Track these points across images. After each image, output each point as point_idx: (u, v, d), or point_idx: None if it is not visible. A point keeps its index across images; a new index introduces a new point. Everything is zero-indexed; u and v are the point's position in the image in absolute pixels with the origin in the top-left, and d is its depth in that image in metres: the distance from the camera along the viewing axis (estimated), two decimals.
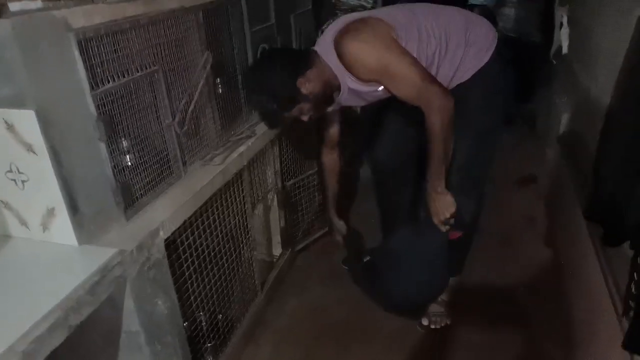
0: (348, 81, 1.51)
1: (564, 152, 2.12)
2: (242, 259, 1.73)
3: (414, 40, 1.48)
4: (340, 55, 1.46)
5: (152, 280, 1.18)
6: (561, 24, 2.17)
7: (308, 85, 1.47)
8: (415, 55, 1.47)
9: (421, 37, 1.49)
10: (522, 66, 3.29)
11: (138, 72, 1.21)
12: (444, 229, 1.55)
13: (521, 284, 1.98)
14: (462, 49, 1.53)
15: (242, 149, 1.59)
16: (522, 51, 3.27)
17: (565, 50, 2.16)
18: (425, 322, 1.81)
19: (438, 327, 1.79)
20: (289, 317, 1.91)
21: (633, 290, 1.07)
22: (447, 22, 1.53)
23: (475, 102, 1.56)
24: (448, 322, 1.80)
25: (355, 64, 1.46)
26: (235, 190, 1.60)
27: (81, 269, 1.01)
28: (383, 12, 1.56)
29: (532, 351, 1.68)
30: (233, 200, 1.60)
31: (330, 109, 1.65)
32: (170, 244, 1.29)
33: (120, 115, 1.16)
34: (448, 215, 1.53)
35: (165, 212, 1.25)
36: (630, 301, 1.09)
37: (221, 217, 1.55)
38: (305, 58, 1.52)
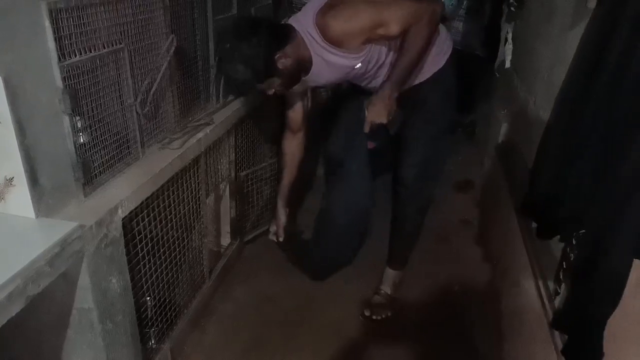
0: (325, 54, 1.52)
1: (501, 159, 2.28)
2: (192, 245, 1.74)
3: None
4: (325, 33, 1.48)
5: (108, 257, 1.18)
6: (506, 40, 2.34)
7: (284, 60, 1.49)
8: (378, 45, 1.53)
9: None
10: (466, 78, 3.49)
11: (105, 48, 1.20)
12: (368, 128, 1.56)
13: (456, 281, 2.11)
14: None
15: (200, 135, 1.60)
16: (466, 63, 3.47)
17: (507, 64, 2.33)
18: (367, 312, 1.89)
19: (379, 318, 1.88)
20: (236, 305, 1.93)
21: (561, 277, 1.21)
22: None
23: (433, 102, 1.69)
24: (389, 314, 1.90)
25: (343, 35, 1.47)
26: (191, 176, 1.61)
27: (40, 241, 1.00)
28: None
29: (466, 342, 1.80)
30: (188, 186, 1.61)
31: (295, 87, 1.66)
32: (127, 223, 1.29)
33: (84, 91, 1.15)
34: (384, 122, 1.54)
35: (124, 191, 1.25)
36: (557, 287, 1.22)
37: (175, 202, 1.55)
38: (284, 33, 1.53)
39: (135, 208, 1.30)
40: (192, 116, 1.69)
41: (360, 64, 1.56)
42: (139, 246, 1.38)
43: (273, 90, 1.57)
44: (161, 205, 1.46)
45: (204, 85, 1.75)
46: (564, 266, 1.19)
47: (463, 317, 1.91)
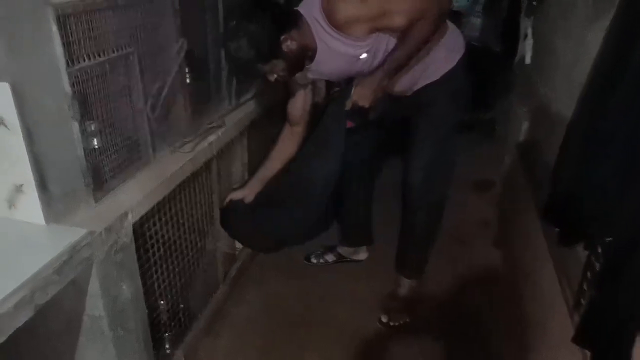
0: (331, 41, 1.50)
1: (522, 158, 2.22)
2: (206, 249, 1.72)
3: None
4: (330, 17, 1.47)
5: (118, 264, 1.16)
6: (526, 35, 2.28)
7: (290, 43, 1.48)
8: (389, 42, 1.51)
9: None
10: (484, 75, 3.43)
11: (114, 53, 1.19)
12: (349, 105, 1.56)
13: (476, 285, 2.06)
14: (433, 49, 1.58)
15: (212, 138, 1.59)
16: (484, 60, 3.40)
17: (527, 60, 2.26)
18: (384, 318, 1.85)
19: (397, 324, 1.84)
20: (249, 309, 1.91)
21: (585, 287, 1.15)
22: None
23: (441, 103, 1.65)
24: (407, 320, 1.86)
25: (348, 20, 1.45)
26: (203, 180, 1.60)
27: (48, 248, 0.99)
28: None
29: (485, 350, 1.75)
30: (200, 189, 1.60)
31: (298, 76, 1.64)
32: (139, 228, 1.28)
33: (93, 96, 1.15)
34: (366, 105, 1.53)
35: (135, 196, 1.24)
36: (581, 298, 1.17)
37: (188, 205, 1.54)
38: (291, 17, 1.52)
39: (146, 213, 1.28)
40: (204, 119, 1.67)
41: (365, 55, 1.53)
42: (151, 250, 1.37)
43: (275, 75, 1.53)
44: (173, 210, 1.45)
45: (216, 88, 1.74)
46: (588, 276, 1.13)
47: (483, 324, 1.86)
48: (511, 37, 2.82)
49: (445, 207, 1.93)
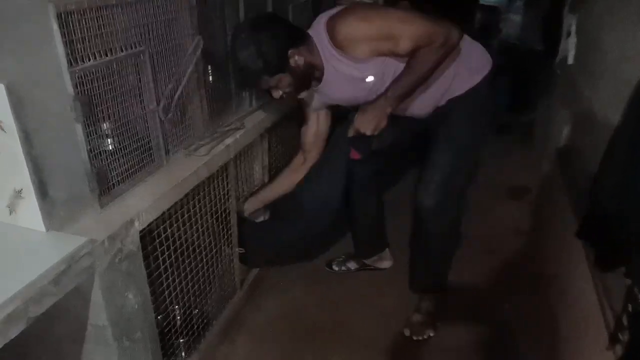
0: (336, 63, 1.49)
1: (562, 166, 2.08)
2: (223, 255, 1.67)
3: None
4: (333, 36, 1.45)
5: (123, 273, 1.12)
6: (569, 33, 2.13)
7: (297, 58, 1.46)
8: (397, 68, 1.48)
9: None
10: (524, 74, 3.27)
11: (122, 51, 1.14)
12: (351, 133, 1.54)
13: (507, 299, 1.93)
14: (455, 67, 1.54)
15: (229, 141, 1.52)
16: (524, 59, 3.24)
17: (570, 60, 2.11)
18: (407, 332, 1.76)
19: (420, 338, 1.74)
20: (267, 318, 1.85)
21: (624, 321, 1.02)
22: None
23: (461, 118, 1.61)
24: (431, 334, 1.75)
25: (349, 39, 1.44)
26: (220, 183, 1.54)
27: (46, 256, 0.95)
28: None
29: None
30: (217, 194, 1.54)
31: (305, 96, 1.61)
32: (147, 234, 1.23)
33: (100, 97, 1.10)
34: (368, 132, 1.49)
35: (143, 202, 1.18)
36: (619, 333, 1.04)
37: (203, 210, 1.49)
38: (300, 34, 1.51)
39: (157, 219, 1.23)
40: (222, 120, 1.61)
41: (372, 78, 1.50)
42: (165, 254, 1.32)
43: (281, 92, 1.50)
44: (186, 215, 1.40)
45: (236, 88, 1.67)
46: (629, 309, 1.00)
47: (511, 341, 1.73)
48: (553, 35, 2.66)
49: (462, 224, 1.82)
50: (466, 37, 1.61)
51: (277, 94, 1.51)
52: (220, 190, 1.55)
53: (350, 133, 1.55)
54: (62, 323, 1.13)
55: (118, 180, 1.18)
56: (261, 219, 1.88)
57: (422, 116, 1.66)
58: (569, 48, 2.08)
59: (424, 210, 1.63)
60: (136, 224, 1.13)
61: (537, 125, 3.18)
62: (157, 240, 1.29)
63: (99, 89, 1.08)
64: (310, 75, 1.53)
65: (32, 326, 0.88)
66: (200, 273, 1.54)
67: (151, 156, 1.30)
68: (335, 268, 2.10)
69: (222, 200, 1.57)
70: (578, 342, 1.49)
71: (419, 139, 1.73)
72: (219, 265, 1.66)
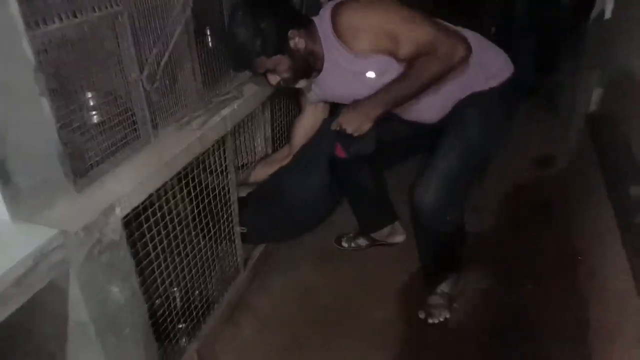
0: (336, 54, 1.41)
1: (592, 133, 1.90)
2: (223, 233, 1.55)
3: None
4: (335, 25, 1.38)
5: (104, 265, 1.00)
6: None
7: (298, 40, 1.39)
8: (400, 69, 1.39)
9: None
10: (549, 33, 3.02)
11: (95, 12, 0.98)
12: (334, 127, 1.45)
13: (529, 277, 1.80)
14: (470, 70, 1.43)
15: (225, 112, 1.38)
16: (549, 14, 2.99)
17: (608, 15, 1.90)
18: (422, 315, 1.64)
19: (436, 321, 1.62)
20: (274, 299, 1.74)
21: None
22: None
23: (472, 119, 1.49)
24: (447, 316, 1.63)
25: (351, 28, 1.36)
26: (217, 158, 1.40)
27: (10, 253, 0.83)
28: None
29: (535, 354, 1.52)
30: (214, 169, 1.41)
31: (303, 85, 1.51)
32: (139, 215, 1.11)
33: (71, 66, 0.96)
34: (349, 130, 1.41)
35: (127, 184, 1.05)
36: None
37: (199, 188, 1.36)
38: (304, 18, 1.45)
39: (146, 200, 1.10)
40: (218, 89, 1.46)
41: (373, 75, 1.41)
42: (157, 238, 1.20)
43: (278, 78, 1.43)
44: (179, 195, 1.27)
45: (227, 24, 1.50)
46: None
47: (535, 324, 1.61)
48: None
49: (465, 224, 1.67)
50: (484, 41, 1.51)
51: (274, 79, 1.43)
52: (218, 166, 1.41)
53: (333, 126, 1.46)
54: (44, 320, 1.02)
55: (97, 161, 1.04)
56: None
57: (429, 122, 1.56)
58: (607, 1, 1.87)
59: (422, 209, 1.49)
60: (117, 210, 1.00)
61: (563, 87, 2.97)
62: (150, 221, 1.17)
63: (68, 57, 0.94)
64: (310, 63, 1.44)
65: (13, 325, 0.79)
66: (199, 255, 1.43)
67: (136, 131, 1.16)
68: (345, 245, 1.98)
69: (220, 177, 1.44)
70: (610, 330, 1.37)
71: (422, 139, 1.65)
72: (219, 245, 1.54)
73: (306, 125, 1.68)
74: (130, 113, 1.13)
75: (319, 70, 1.47)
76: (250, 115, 1.58)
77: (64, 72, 0.95)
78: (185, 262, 1.36)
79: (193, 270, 1.42)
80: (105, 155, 1.07)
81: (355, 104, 1.41)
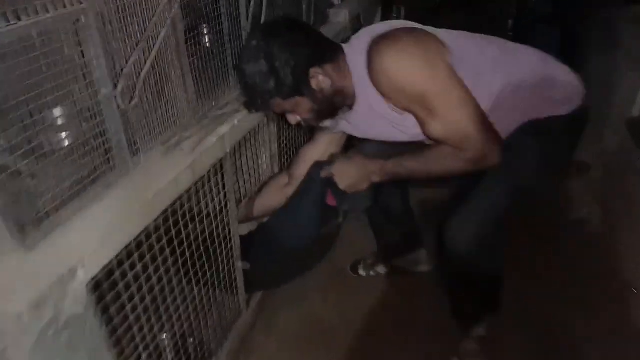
0: (371, 99, 1.19)
1: (635, 137, 1.66)
2: (222, 269, 1.30)
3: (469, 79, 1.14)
4: (372, 65, 1.14)
5: (64, 347, 0.75)
6: None
7: (322, 79, 1.17)
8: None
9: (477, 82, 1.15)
10: (575, 21, 2.74)
11: (49, 12, 0.74)
12: (324, 174, 1.34)
13: (577, 309, 1.56)
14: (531, 95, 1.21)
15: (224, 129, 1.13)
16: (575, 1, 2.71)
17: None
18: None
19: None
20: (281, 339, 1.51)
21: None
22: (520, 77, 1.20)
23: (528, 150, 1.21)
24: None
25: (388, 79, 1.13)
26: (214, 185, 1.16)
27: None
28: (445, 33, 1.20)
29: None
30: (211, 197, 1.16)
31: (328, 124, 1.29)
32: (114, 270, 0.87)
33: (16, 81, 0.71)
34: (341, 186, 1.32)
35: (95, 235, 0.81)
36: None
37: (193, 221, 1.11)
38: (330, 49, 1.21)
39: (119, 253, 0.86)
40: (215, 100, 1.22)
41: (413, 126, 1.20)
42: (137, 297, 0.96)
43: (298, 118, 1.23)
44: (165, 239, 1.02)
45: (234, 59, 1.26)
46: None
47: (578, 350, 1.38)
48: None
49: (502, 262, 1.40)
50: (550, 62, 1.27)
51: (293, 119, 1.23)
52: (215, 195, 1.17)
53: (324, 174, 1.32)
54: None
55: (55, 206, 0.80)
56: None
57: None
58: None
59: (455, 251, 1.24)
60: (81, 273, 0.76)
61: (595, 85, 2.71)
62: (128, 276, 0.92)
63: (10, 70, 0.70)
64: (337, 103, 1.22)
65: None
66: (194, 294, 1.19)
67: (110, 161, 0.91)
68: (362, 273, 1.74)
69: (218, 208, 1.19)
70: None
71: None
72: (219, 282, 1.30)
73: (315, 156, 1.42)
74: (102, 139, 0.89)
75: (350, 106, 1.25)
76: (253, 130, 1.33)
77: (7, 91, 0.71)
78: (175, 317, 1.12)
79: (187, 312, 1.18)
80: (67, 197, 0.82)
81: (357, 159, 1.28)
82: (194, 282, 1.17)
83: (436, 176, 1.23)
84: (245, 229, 1.50)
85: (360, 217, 1.79)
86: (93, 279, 0.79)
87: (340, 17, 1.84)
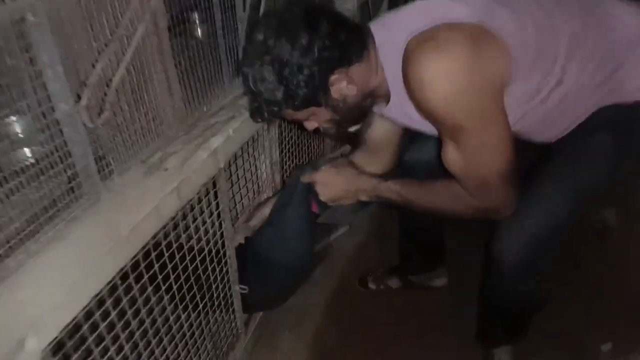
0: (404, 103, 0.96)
1: None
2: (217, 296, 1.15)
3: (537, 70, 0.92)
4: (406, 68, 0.90)
5: None
6: None
7: (345, 86, 0.93)
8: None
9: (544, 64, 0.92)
10: None
11: None
12: (307, 179, 1.17)
13: (606, 331, 1.41)
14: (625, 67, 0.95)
15: (217, 141, 0.96)
16: None
17: None
18: None
19: None
20: None
21: None
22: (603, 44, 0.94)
23: (600, 149, 0.99)
24: None
25: (417, 92, 0.89)
26: (205, 206, 1.00)
27: None
28: (507, 17, 0.90)
29: None
30: (202, 222, 1.00)
31: (355, 128, 1.11)
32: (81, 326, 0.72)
33: None
34: (322, 198, 1.16)
35: (53, 289, 0.65)
36: None
37: (179, 254, 0.95)
38: (359, 43, 0.94)
39: (87, 306, 0.71)
40: (207, 105, 1.05)
41: None
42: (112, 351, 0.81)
43: (316, 124, 1.02)
44: (148, 272, 0.87)
45: (228, 55, 1.09)
46: None
47: None
48: None
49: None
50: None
51: (311, 125, 1.03)
52: (207, 217, 1.01)
53: (305, 179, 1.16)
54: None
55: (3, 253, 0.64)
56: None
57: (540, 141, 1.08)
58: None
59: (503, 263, 1.06)
60: (32, 342, 0.60)
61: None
62: (100, 328, 0.77)
63: None
64: (365, 107, 1.02)
65: None
66: (185, 325, 1.04)
67: (75, 189, 0.75)
68: (372, 286, 1.60)
69: (210, 231, 1.03)
70: None
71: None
72: (214, 308, 1.15)
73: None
74: (64, 164, 0.72)
75: (387, 99, 1.03)
76: (251, 139, 1.17)
77: None
78: (171, 330, 0.97)
79: (178, 344, 1.03)
80: (18, 241, 0.66)
81: (346, 172, 1.14)
82: (183, 318, 1.01)
83: (435, 213, 1.08)
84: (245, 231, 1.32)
85: (363, 228, 1.65)
86: (51, 343, 0.64)
87: (348, 3, 1.65)
